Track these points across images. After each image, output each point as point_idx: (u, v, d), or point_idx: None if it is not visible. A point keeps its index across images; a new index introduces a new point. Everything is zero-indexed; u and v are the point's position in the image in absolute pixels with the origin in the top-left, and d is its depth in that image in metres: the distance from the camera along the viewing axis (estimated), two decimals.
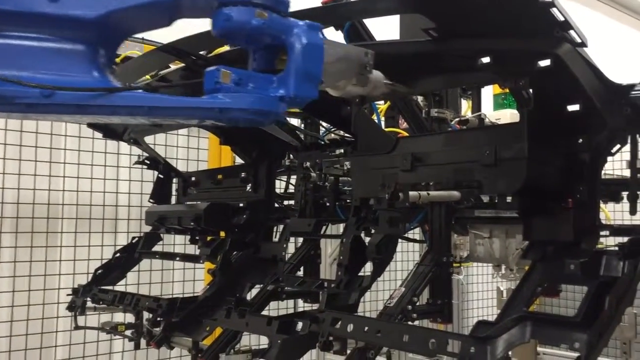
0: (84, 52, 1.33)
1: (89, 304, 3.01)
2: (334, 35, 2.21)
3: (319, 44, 1.46)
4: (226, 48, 2.29)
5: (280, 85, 1.42)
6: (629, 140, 1.65)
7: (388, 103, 2.79)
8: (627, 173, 1.65)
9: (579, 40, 1.48)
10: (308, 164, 2.69)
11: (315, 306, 2.54)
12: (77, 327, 3.05)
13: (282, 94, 1.42)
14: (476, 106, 2.90)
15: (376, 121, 2.53)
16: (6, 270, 3.70)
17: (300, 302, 3.30)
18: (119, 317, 3.40)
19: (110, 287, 3.08)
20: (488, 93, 3.23)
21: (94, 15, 1.31)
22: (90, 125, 2.91)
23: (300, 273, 2.71)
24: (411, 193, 1.86)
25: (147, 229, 3.24)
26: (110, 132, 2.92)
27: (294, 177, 2.88)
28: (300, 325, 1.93)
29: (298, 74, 1.42)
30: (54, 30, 1.29)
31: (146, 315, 2.69)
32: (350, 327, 1.78)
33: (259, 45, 1.49)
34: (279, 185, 3.04)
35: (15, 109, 1.24)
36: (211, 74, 1.39)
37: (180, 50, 2.04)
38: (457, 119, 2.45)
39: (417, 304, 2.06)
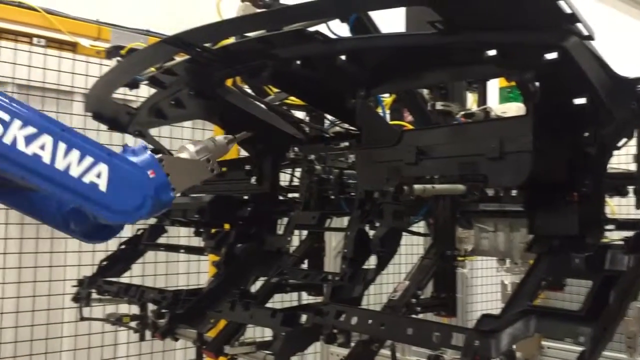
0: None
1: (94, 295, 3.02)
2: (339, 27, 2.20)
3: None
4: (232, 40, 2.29)
5: None
6: (635, 134, 1.65)
7: (393, 96, 2.78)
8: (633, 167, 1.64)
9: (586, 33, 1.47)
10: (313, 156, 2.69)
11: (319, 299, 2.55)
12: (82, 319, 3.06)
13: None
14: (482, 99, 2.88)
15: (381, 114, 2.52)
16: (12, 261, 3.72)
17: (304, 294, 3.30)
18: (124, 308, 3.42)
19: (115, 279, 3.09)
20: (494, 86, 3.21)
21: None
22: (95, 117, 2.91)
23: (305, 266, 2.71)
24: (416, 186, 1.86)
25: (152, 221, 3.24)
26: (115, 125, 2.92)
27: (299, 170, 2.88)
28: (304, 317, 1.94)
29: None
30: None
31: (151, 307, 2.70)
32: (354, 320, 1.78)
33: None
34: (284, 178, 3.04)
35: None
36: None
37: (186, 42, 2.04)
38: (462, 112, 2.44)
39: (421, 297, 2.06)
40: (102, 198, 1.65)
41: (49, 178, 1.58)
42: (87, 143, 1.65)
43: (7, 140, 1.50)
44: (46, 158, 1.56)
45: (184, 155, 1.96)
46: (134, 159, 1.71)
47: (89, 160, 1.61)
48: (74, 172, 1.60)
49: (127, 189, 1.68)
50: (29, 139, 1.54)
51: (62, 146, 1.58)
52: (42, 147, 1.56)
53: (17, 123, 1.52)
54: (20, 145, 1.53)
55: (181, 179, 1.83)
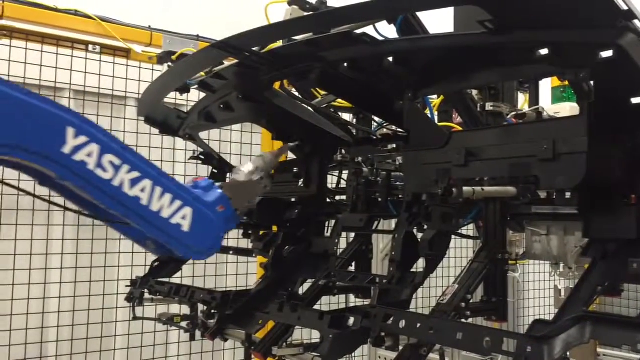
0: None
1: (147, 295, 3.09)
2: (387, 29, 2.19)
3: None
4: (279, 44, 2.30)
5: None
6: None
7: (441, 97, 2.75)
8: None
9: None
10: (360, 159, 2.68)
11: (367, 302, 2.54)
12: (135, 318, 3.14)
13: None
14: (534, 99, 2.82)
15: (429, 116, 2.50)
16: (69, 261, 3.85)
17: (351, 297, 3.30)
18: (175, 308, 3.48)
19: (166, 280, 3.16)
20: (546, 86, 3.14)
21: None
22: (147, 121, 2.99)
23: (352, 268, 2.70)
24: (465, 188, 1.83)
25: None
26: (166, 128, 2.99)
27: (346, 172, 2.87)
28: (352, 320, 1.93)
29: None
30: None
31: (201, 307, 2.75)
32: (402, 324, 1.77)
33: None
34: (331, 181, 3.04)
35: None
36: None
37: (234, 47, 2.07)
38: (513, 113, 2.39)
39: (471, 301, 2.03)
40: (184, 238, 1.83)
41: (144, 217, 1.76)
42: (178, 187, 1.83)
43: (116, 182, 1.67)
44: (144, 200, 1.74)
45: (239, 177, 2.17)
46: (205, 196, 1.90)
47: (178, 203, 1.80)
48: (165, 213, 1.78)
49: (205, 230, 1.87)
50: (133, 182, 1.71)
51: (158, 190, 1.76)
52: (143, 190, 1.74)
53: (126, 167, 1.69)
54: (126, 188, 1.70)
55: (240, 200, 2.04)
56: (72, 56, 3.89)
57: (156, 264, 3.21)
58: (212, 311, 2.58)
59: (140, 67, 4.07)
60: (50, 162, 1.58)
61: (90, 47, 3.93)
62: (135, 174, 1.71)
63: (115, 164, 1.66)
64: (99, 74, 3.97)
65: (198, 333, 2.81)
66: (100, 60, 3.97)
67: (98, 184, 1.64)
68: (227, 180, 2.23)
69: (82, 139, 1.61)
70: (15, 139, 1.52)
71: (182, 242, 1.83)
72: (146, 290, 3.08)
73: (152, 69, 4.02)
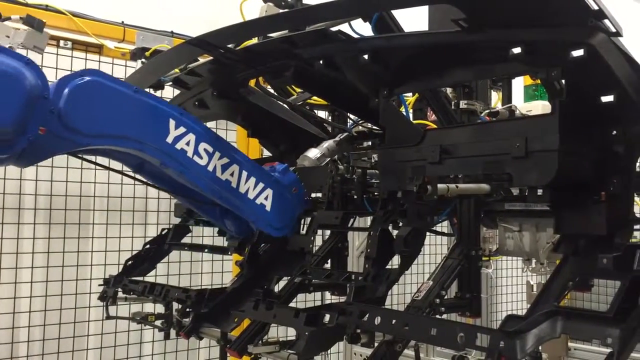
0: None
1: (120, 294, 3.05)
2: (362, 26, 2.20)
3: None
4: (254, 41, 2.30)
5: None
6: None
7: (416, 95, 2.77)
8: None
9: (613, 30, 1.45)
10: (336, 156, 2.68)
11: (343, 299, 2.54)
12: (108, 317, 3.11)
13: None
14: (506, 98, 2.85)
15: (404, 113, 2.51)
16: (40, 260, 3.78)
17: (327, 294, 3.30)
18: (149, 307, 3.45)
19: (140, 278, 3.13)
20: (519, 84, 3.18)
21: None
22: None
23: (328, 266, 2.71)
24: (439, 186, 1.85)
25: (176, 221, 3.27)
26: None
27: None
28: (327, 317, 1.94)
29: None
30: None
31: (175, 305, 2.73)
32: (377, 320, 1.78)
33: None
34: None
35: None
36: None
37: (209, 44, 2.05)
38: (486, 111, 2.42)
39: (445, 297, 2.05)
40: (267, 217, 2.06)
41: (234, 198, 1.94)
42: (260, 171, 2.02)
43: (210, 168, 1.88)
44: (234, 183, 1.95)
45: (307, 163, 2.33)
46: (282, 179, 2.10)
47: (261, 185, 2.01)
48: (251, 195, 1.99)
49: (284, 210, 2.10)
50: (224, 168, 1.91)
51: (244, 174, 1.97)
52: (232, 174, 1.95)
53: (217, 154, 1.89)
54: (218, 172, 1.90)
55: (311, 184, 2.26)
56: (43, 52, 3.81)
57: (130, 262, 3.18)
58: (187, 310, 2.57)
59: (113, 64, 4.01)
60: (156, 151, 1.76)
61: (62, 43, 3.86)
62: (225, 160, 1.91)
63: (209, 151, 1.86)
64: (71, 70, 3.91)
65: (173, 332, 2.79)
66: (72, 56, 3.91)
67: (196, 169, 1.84)
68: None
69: (182, 129, 1.80)
70: (131, 131, 1.70)
71: (265, 221, 2.05)
72: (120, 289, 3.05)
73: (125, 66, 3.97)
